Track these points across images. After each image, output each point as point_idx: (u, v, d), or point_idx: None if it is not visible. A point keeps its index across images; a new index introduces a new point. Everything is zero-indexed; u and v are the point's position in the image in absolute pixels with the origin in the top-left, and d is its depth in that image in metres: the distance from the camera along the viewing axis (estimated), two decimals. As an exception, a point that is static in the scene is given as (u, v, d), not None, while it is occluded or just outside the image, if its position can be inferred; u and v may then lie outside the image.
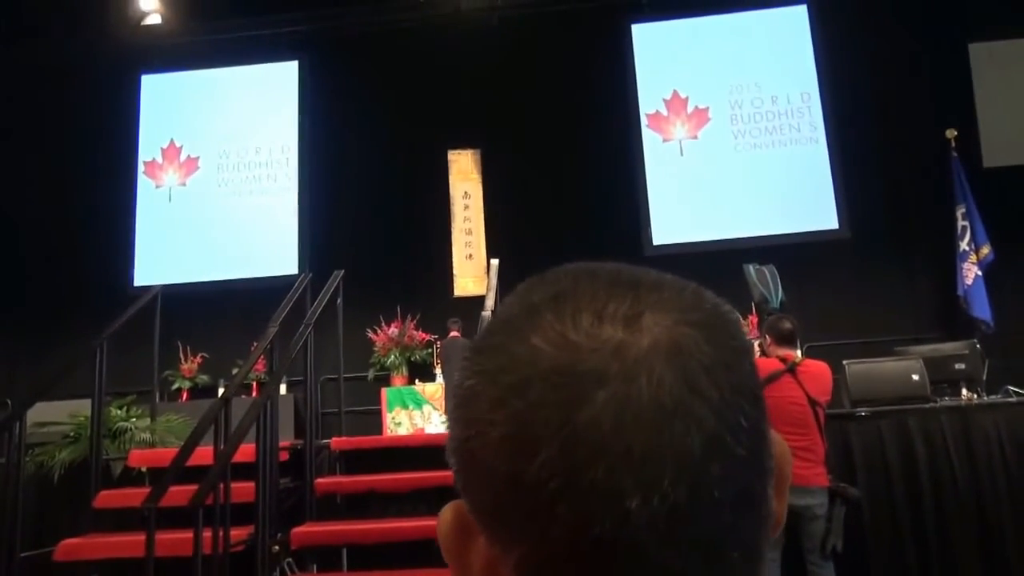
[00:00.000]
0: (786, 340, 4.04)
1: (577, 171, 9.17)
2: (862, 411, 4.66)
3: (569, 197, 9.14)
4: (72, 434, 4.86)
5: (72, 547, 4.04)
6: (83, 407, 4.99)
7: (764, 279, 5.07)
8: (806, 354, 4.34)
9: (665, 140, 9.42)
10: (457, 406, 0.42)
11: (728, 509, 0.36)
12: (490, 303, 4.39)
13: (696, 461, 0.35)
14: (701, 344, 0.38)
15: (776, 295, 4.99)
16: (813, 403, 3.83)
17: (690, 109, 9.46)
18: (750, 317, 7.36)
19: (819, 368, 4.00)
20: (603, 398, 0.36)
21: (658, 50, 9.62)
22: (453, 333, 7.91)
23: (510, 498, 0.37)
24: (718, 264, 7.58)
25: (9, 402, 8.31)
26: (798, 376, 3.88)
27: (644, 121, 9.45)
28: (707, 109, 9.43)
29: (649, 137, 9.41)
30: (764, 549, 0.40)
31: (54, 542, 4.08)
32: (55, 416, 5.19)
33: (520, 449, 0.36)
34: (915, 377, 4.72)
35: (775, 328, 4.08)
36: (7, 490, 3.95)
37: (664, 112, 9.48)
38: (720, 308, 0.41)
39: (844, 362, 4.96)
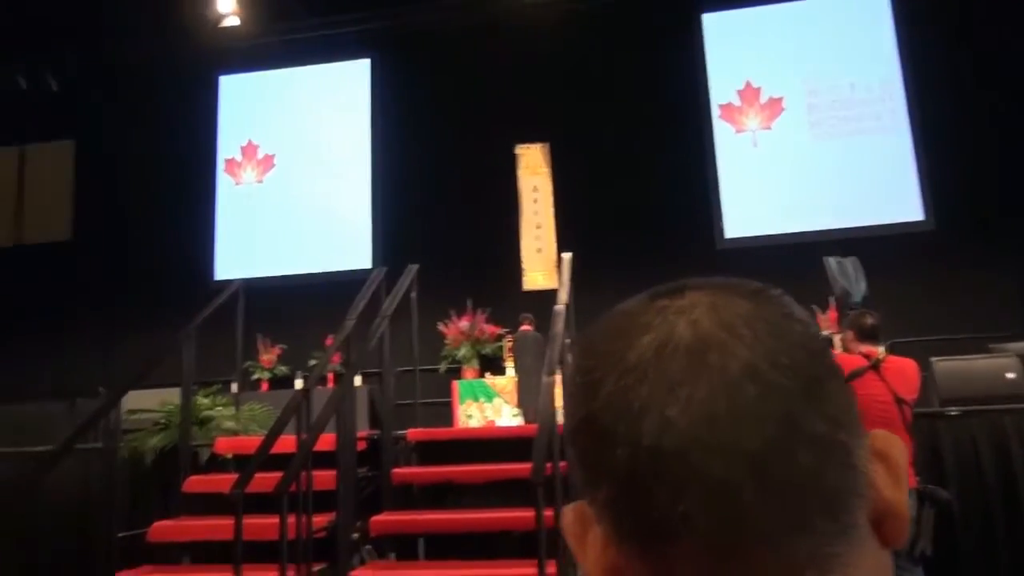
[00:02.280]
0: (869, 336, 3.91)
1: (647, 163, 9.07)
2: (952, 410, 4.48)
3: (639, 190, 9.05)
4: (162, 421, 5.07)
5: (164, 529, 4.23)
6: (172, 395, 5.21)
7: (846, 272, 4.92)
8: (889, 351, 4.20)
9: (738, 131, 9.24)
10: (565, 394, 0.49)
11: (773, 427, 0.38)
12: (563, 297, 4.39)
13: (730, 381, 0.39)
14: (740, 303, 0.42)
15: (858, 289, 4.83)
16: (899, 401, 3.70)
17: (763, 99, 9.24)
18: (829, 312, 7.16)
19: (905, 365, 3.86)
20: (647, 341, 0.42)
21: (729, 40, 9.42)
22: (525, 327, 7.94)
23: (589, 436, 0.42)
24: (794, 258, 7.41)
25: (103, 390, 8.75)
26: (882, 373, 3.76)
27: (716, 112, 9.28)
28: (781, 99, 9.20)
29: (721, 129, 9.24)
30: (847, 501, 0.39)
31: (147, 524, 4.27)
32: (146, 404, 5.42)
33: (590, 391, 0.42)
34: (1010, 375, 4.50)
35: (857, 323, 3.95)
36: (104, 474, 4.16)
37: (737, 103, 9.29)
38: (770, 288, 0.45)
39: (932, 359, 4.78)
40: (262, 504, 3.76)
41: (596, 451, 0.41)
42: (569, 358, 4.44)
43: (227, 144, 10.36)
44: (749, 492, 0.38)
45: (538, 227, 9.37)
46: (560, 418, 3.97)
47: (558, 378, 3.85)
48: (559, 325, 4.07)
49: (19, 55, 9.72)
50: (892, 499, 0.42)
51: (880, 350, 3.91)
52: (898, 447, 0.44)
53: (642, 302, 0.45)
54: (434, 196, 9.48)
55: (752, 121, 9.23)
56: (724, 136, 9.21)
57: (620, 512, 0.41)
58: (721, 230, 8.93)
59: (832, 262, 5.05)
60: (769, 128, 9.19)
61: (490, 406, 8.26)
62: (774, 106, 9.21)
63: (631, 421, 0.40)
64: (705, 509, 0.38)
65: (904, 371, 3.81)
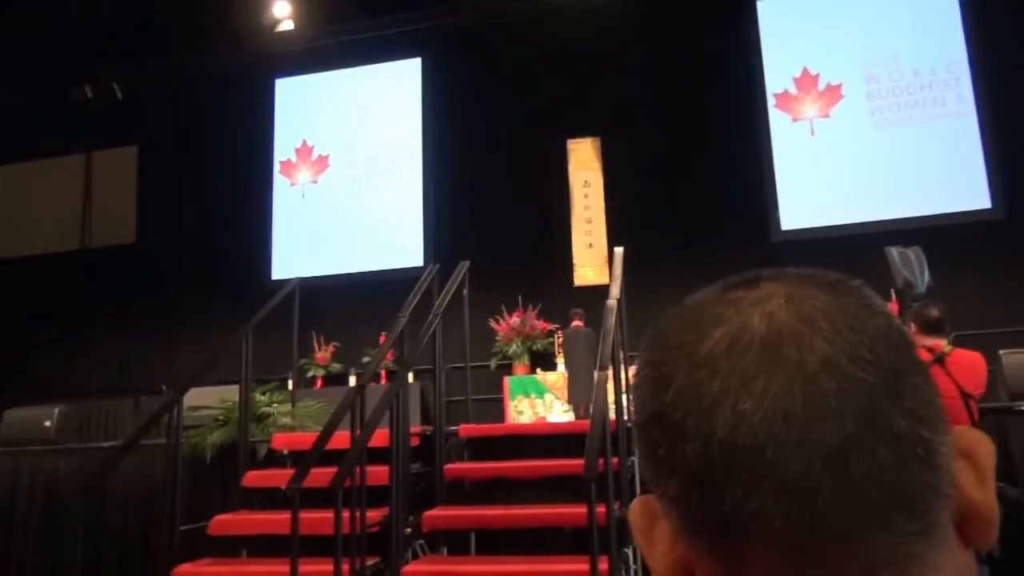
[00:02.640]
0: (933, 328, 3.78)
1: (700, 155, 8.93)
2: (1022, 405, 4.31)
3: (692, 182, 8.92)
4: (221, 418, 5.19)
5: (224, 523, 4.33)
6: (230, 392, 5.34)
7: (908, 263, 4.76)
8: (955, 344, 4.05)
9: (794, 120, 9.03)
10: (633, 389, 0.48)
11: (852, 423, 0.37)
12: (615, 292, 4.35)
13: (808, 375, 0.38)
14: (818, 295, 0.41)
15: (922, 280, 4.67)
16: (966, 396, 3.56)
17: (821, 86, 9.02)
18: (891, 304, 6.94)
19: (972, 358, 3.72)
20: (720, 333, 0.41)
21: (785, 26, 9.21)
22: (576, 323, 7.91)
23: (658, 430, 0.42)
24: (854, 248, 7.20)
25: (165, 387, 9.03)
26: (948, 367, 3.63)
27: (771, 101, 9.09)
28: (840, 86, 8.96)
29: (777, 118, 9.04)
30: (929, 499, 0.38)
31: (207, 517, 4.39)
32: (206, 401, 5.56)
33: (659, 386, 0.42)
34: (1084, 368, 4.31)
35: (921, 316, 3.82)
36: (167, 469, 4.29)
37: (793, 91, 9.08)
38: (849, 279, 0.44)
39: (1000, 352, 4.60)
40: (317, 499, 3.82)
41: (666, 445, 0.41)
42: (621, 353, 4.41)
43: (283, 146, 10.57)
44: (827, 489, 0.37)
45: (589, 222, 9.32)
46: (612, 414, 3.94)
47: (611, 373, 3.82)
48: (611, 320, 4.04)
49: (86, 66, 10.08)
50: (978, 499, 0.41)
51: (945, 343, 3.78)
52: (985, 445, 0.43)
53: (714, 293, 0.45)
54: (485, 192, 9.51)
55: (809, 109, 9.01)
56: (780, 125, 9.02)
57: (690, 507, 0.40)
58: (777, 222, 8.74)
59: (894, 252, 4.90)
60: (827, 116, 8.96)
61: (541, 402, 8.26)
62: (832, 93, 8.97)
63: (703, 415, 0.39)
64: (780, 505, 0.37)
65: (970, 365, 3.67)
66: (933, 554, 0.38)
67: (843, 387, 0.38)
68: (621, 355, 4.46)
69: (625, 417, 4.15)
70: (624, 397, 4.24)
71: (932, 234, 7.18)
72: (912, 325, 3.86)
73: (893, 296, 6.17)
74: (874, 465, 0.37)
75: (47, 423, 5.65)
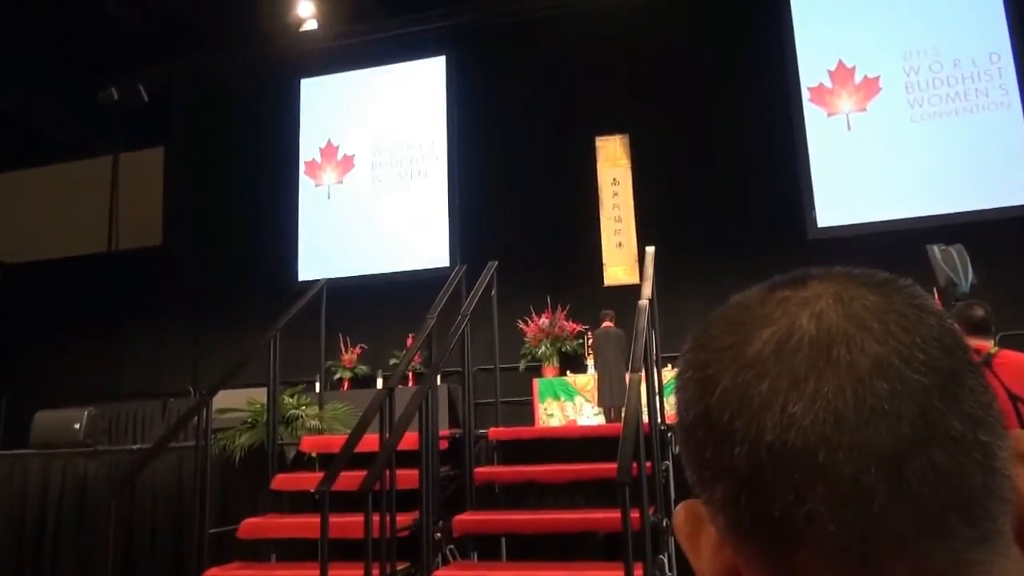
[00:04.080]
0: (978, 329, 3.70)
1: (733, 151, 8.87)
2: (1073, 408, 4.20)
3: (724, 179, 8.86)
4: (250, 420, 5.24)
5: (253, 526, 4.38)
6: (258, 395, 5.39)
7: (951, 261, 4.68)
8: (1001, 344, 3.97)
9: (830, 114, 8.93)
10: (675, 391, 0.47)
11: (907, 426, 0.37)
12: (646, 292, 4.33)
13: (859, 377, 0.38)
14: (868, 295, 0.41)
15: (965, 278, 4.59)
16: (1014, 399, 3.48)
17: (858, 79, 8.90)
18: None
19: (1020, 360, 3.64)
20: (767, 334, 0.41)
21: (819, 17, 9.11)
22: (606, 324, 7.89)
23: (703, 433, 0.42)
24: (894, 247, 7.11)
25: (192, 389, 9.15)
26: (995, 369, 3.55)
27: (806, 95, 8.99)
28: (877, 78, 8.84)
29: (812, 112, 8.94)
30: (988, 505, 0.38)
31: (236, 520, 4.44)
32: (235, 403, 5.62)
33: (704, 388, 0.42)
34: None
35: (965, 315, 3.75)
36: (196, 471, 4.34)
37: (828, 84, 8.98)
38: (898, 278, 0.43)
39: (1049, 353, 4.49)
40: (347, 502, 3.85)
41: (712, 448, 0.41)
42: (654, 355, 4.39)
43: (308, 146, 10.67)
44: (882, 494, 0.36)
45: (618, 220, 9.29)
46: (645, 416, 3.93)
47: (643, 375, 3.81)
48: (643, 321, 4.02)
49: (112, 68, 10.25)
50: None
51: (991, 344, 3.70)
52: None
53: (760, 293, 0.44)
54: (512, 192, 9.52)
55: (845, 103, 8.90)
56: (815, 120, 8.92)
57: (738, 511, 0.40)
58: (813, 219, 8.65)
59: (935, 250, 4.81)
60: (864, 110, 8.84)
61: (571, 405, 8.24)
62: (869, 86, 8.85)
63: (751, 417, 0.39)
64: (833, 510, 0.37)
65: (1018, 366, 3.59)
66: (995, 562, 0.37)
67: (897, 389, 0.38)
68: (654, 356, 4.44)
69: (659, 420, 4.12)
70: (657, 399, 4.22)
71: (975, 231, 7.06)
72: (956, 325, 3.79)
73: (936, 296, 6.08)
74: (930, 469, 0.37)
75: (76, 425, 5.75)
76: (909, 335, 0.39)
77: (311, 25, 10.28)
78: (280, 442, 5.04)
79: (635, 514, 3.18)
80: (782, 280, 0.45)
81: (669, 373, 5.73)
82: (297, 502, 4.58)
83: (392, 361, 8.57)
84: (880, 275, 0.44)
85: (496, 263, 5.40)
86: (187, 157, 10.88)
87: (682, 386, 0.45)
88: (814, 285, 0.43)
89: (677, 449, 0.54)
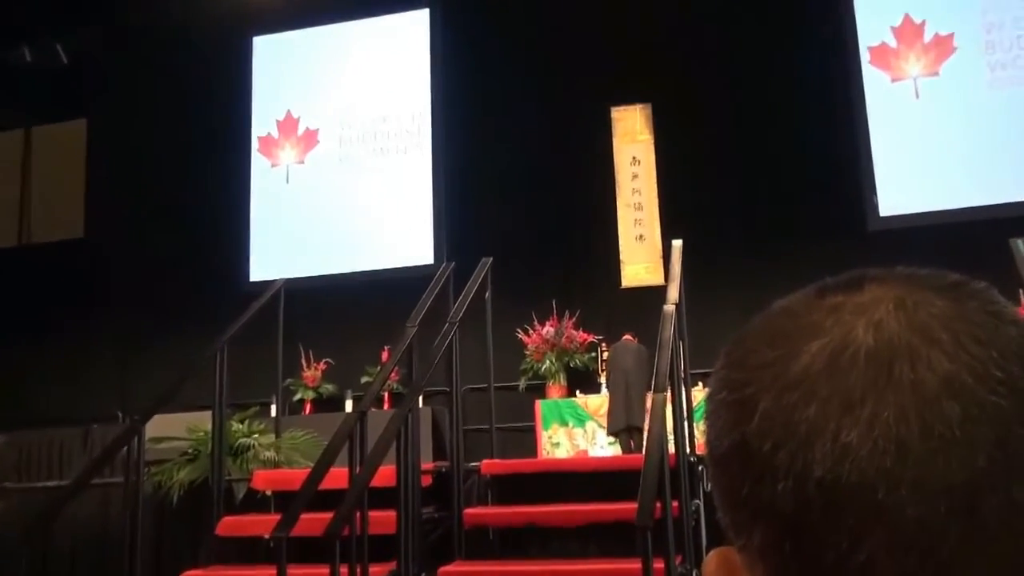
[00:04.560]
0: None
1: (777, 124, 8.87)
2: None
3: (767, 158, 8.87)
4: (191, 451, 5.25)
5: (195, 580, 4.38)
6: (201, 420, 5.40)
7: (1041, 258, 4.72)
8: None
9: (894, 79, 8.94)
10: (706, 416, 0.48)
11: (983, 457, 0.38)
12: (673, 295, 4.33)
13: (926, 398, 0.39)
14: (935, 300, 0.42)
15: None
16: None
17: (928, 38, 8.92)
18: (1020, 308, 6.85)
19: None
20: (816, 347, 0.42)
21: (882, -37, 9.14)
22: (627, 337, 7.91)
23: (739, 467, 0.42)
24: (971, 240, 7.12)
25: (121, 414, 9.14)
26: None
27: (865, 57, 9.00)
28: (951, 36, 8.86)
29: (873, 77, 8.96)
30: None
31: (173, 572, 4.44)
32: (172, 430, 5.62)
33: (742, 411, 0.42)
34: None
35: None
36: (125, 513, 4.33)
37: (892, 43, 8.99)
38: (972, 281, 0.44)
39: None
40: (309, 550, 3.85)
41: (750, 484, 0.41)
42: (682, 370, 4.39)
43: (262, 119, 10.66)
44: (953, 537, 0.37)
45: (639, 208, 9.30)
46: (672, 445, 3.93)
47: (669, 395, 3.81)
48: (668, 330, 4.02)
49: (24, 24, 10.23)
50: None
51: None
52: None
53: (808, 299, 0.45)
54: (510, 174, 9.51)
55: (913, 66, 8.91)
56: (877, 86, 8.93)
57: (782, 560, 0.40)
58: (874, 206, 8.66)
59: (1021, 245, 4.86)
60: (936, 74, 8.85)
61: (581, 432, 8.24)
62: (942, 45, 8.87)
63: (796, 448, 0.40)
64: (895, 557, 0.37)
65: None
66: None
67: (970, 413, 0.38)
68: (681, 373, 4.44)
69: (688, 450, 4.13)
70: (686, 425, 4.22)
71: (1071, 221, 7.07)
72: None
73: (1022, 298, 6.10)
74: (1010, 507, 0.37)
75: (-20, 458, 5.74)
76: (984, 349, 0.40)
77: (266, -29, 10.30)
78: (228, 478, 5.04)
79: (659, 564, 3.18)
80: (834, 283, 0.45)
81: (700, 393, 5.73)
82: (248, 550, 4.58)
83: (364, 379, 8.56)
84: (950, 276, 0.44)
85: (490, 260, 5.40)
86: (115, 132, 10.86)
87: (714, 410, 0.45)
88: (872, 289, 0.43)
89: (709, 485, 0.56)
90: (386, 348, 7.91)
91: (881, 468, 0.38)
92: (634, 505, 3.10)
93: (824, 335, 0.42)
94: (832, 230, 8.31)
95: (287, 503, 3.99)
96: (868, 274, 0.45)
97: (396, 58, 10.36)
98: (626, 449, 7.43)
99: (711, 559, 0.46)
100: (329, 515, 3.53)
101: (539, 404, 8.50)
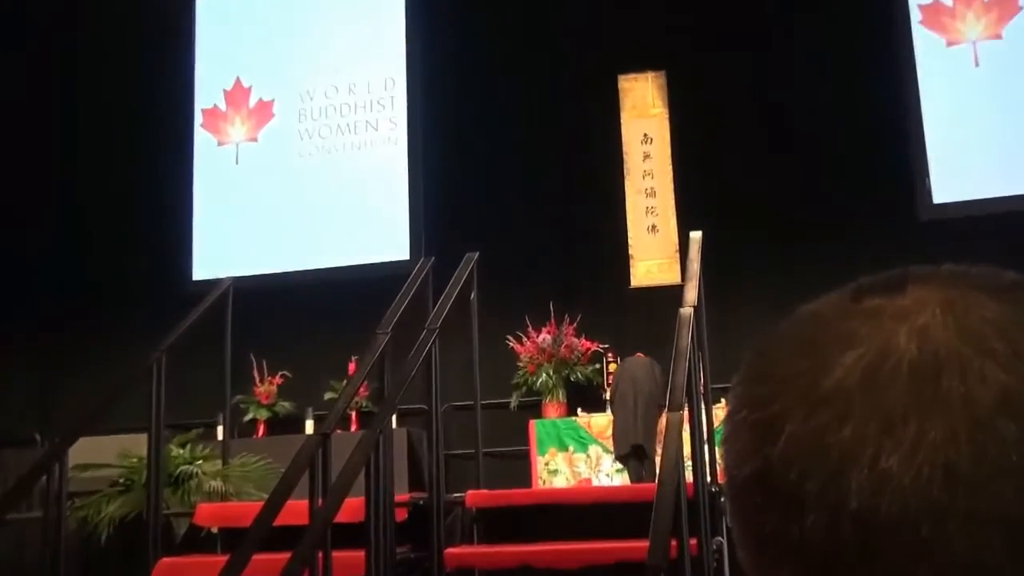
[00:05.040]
0: None
1: (811, 96, 8.90)
2: None
3: (801, 136, 8.89)
4: (123, 481, 5.24)
5: (127, 632, 4.37)
6: (134, 444, 5.38)
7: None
8: None
9: (950, 43, 8.98)
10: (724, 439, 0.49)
11: None
12: (691, 297, 4.34)
13: (978, 416, 0.39)
14: (989, 304, 0.43)
15: None
16: None
17: (990, -7, 8.97)
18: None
19: None
20: (851, 359, 0.42)
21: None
22: (638, 355, 7.94)
23: (762, 498, 0.43)
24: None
25: (39, 437, 9.10)
26: None
27: (916, 16, 9.04)
28: (1017, -8, 8.91)
29: (925, 40, 8.98)
30: None
31: (104, 625, 4.43)
32: (100, 456, 5.61)
33: (765, 433, 0.43)
34: None
35: None
36: (44, 553, 4.32)
37: (947, 1, 9.03)
38: None
39: None
40: (262, 598, 3.84)
41: (775, 519, 0.42)
42: (701, 384, 4.40)
43: (207, 88, 10.63)
44: None
45: (651, 195, 9.31)
46: (688, 473, 3.93)
47: (686, 414, 3.82)
48: (685, 337, 4.03)
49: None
50: None
51: None
52: None
53: (842, 302, 0.46)
54: (499, 154, 9.52)
55: (971, 28, 8.95)
56: (929, 50, 8.95)
57: None
58: (927, 193, 8.68)
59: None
60: (998, 36, 8.89)
61: (583, 457, 8.25)
62: (1006, 4, 8.91)
63: (829, 476, 0.40)
64: None
65: None
66: None
67: None
68: (701, 388, 4.45)
69: (708, 478, 4.13)
70: (706, 449, 4.23)
71: None
72: None
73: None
74: None
75: None
76: None
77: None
78: (166, 512, 5.03)
79: (675, 613, 3.18)
80: (871, 283, 0.46)
81: (722, 411, 5.74)
82: (191, 598, 4.57)
83: (328, 395, 8.55)
84: (1007, 276, 0.45)
85: (476, 255, 5.40)
86: (25, 101, 10.80)
87: (733, 431, 0.46)
88: (916, 290, 0.44)
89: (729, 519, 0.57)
90: (353, 359, 7.90)
91: (927, 498, 0.38)
92: (645, 543, 3.10)
93: (860, 344, 0.42)
94: (877, 220, 8.34)
95: (236, 542, 3.98)
96: (911, 273, 0.45)
97: (366, 16, 10.35)
98: (636, 477, 7.44)
99: None
100: (286, 556, 3.53)
101: (534, 425, 8.50)
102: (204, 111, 10.61)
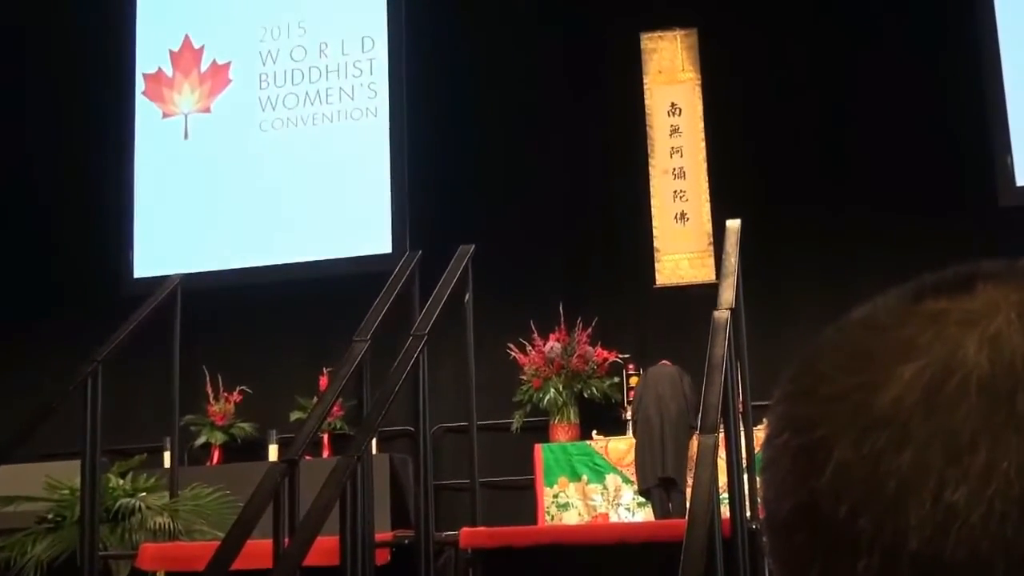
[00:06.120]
0: None
1: (868, 61, 8.90)
2: None
3: (856, 106, 8.88)
4: (51, 516, 5.24)
5: None
6: (65, 472, 5.38)
7: None
8: None
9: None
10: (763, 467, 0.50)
11: None
12: (728, 298, 4.34)
13: None
14: None
15: None
16: None
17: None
18: None
19: None
20: (910, 373, 0.42)
21: None
22: (664, 362, 7.93)
23: (807, 537, 0.43)
24: None
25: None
26: None
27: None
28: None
29: (1005, 6, 8.97)
30: None
31: None
32: (23, 487, 5.61)
33: (810, 460, 0.43)
34: None
35: None
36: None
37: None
38: None
39: None
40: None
41: (822, 561, 0.42)
42: (740, 402, 4.40)
43: (150, 48, 10.62)
44: None
45: (679, 176, 9.31)
46: (724, 508, 3.93)
47: (722, 437, 3.83)
48: (721, 346, 4.04)
49: None
50: None
51: None
52: None
53: (899, 305, 0.46)
54: (499, 129, 9.52)
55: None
56: (1010, 16, 8.95)
57: None
58: (1008, 173, 8.69)
59: None
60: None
61: (599, 488, 8.25)
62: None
63: (884, 511, 0.40)
64: None
65: None
66: None
67: None
68: (739, 406, 4.46)
69: (747, 512, 4.14)
70: (746, 479, 4.24)
71: None
72: None
73: None
74: None
75: None
76: None
77: None
78: (103, 553, 5.04)
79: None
80: (934, 282, 0.46)
81: (763, 434, 5.75)
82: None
83: (295, 415, 8.56)
84: None
85: (472, 248, 5.41)
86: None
87: (772, 459, 0.46)
88: (987, 290, 0.44)
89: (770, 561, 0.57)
90: (326, 371, 7.91)
91: (999, 538, 0.38)
92: (673, 590, 3.12)
93: (921, 356, 0.42)
94: (948, 206, 8.34)
95: (187, 589, 3.99)
96: (981, 270, 0.45)
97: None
98: (662, 512, 7.45)
99: None
100: (247, 606, 3.55)
101: (540, 450, 8.50)
102: (146, 76, 10.60)
